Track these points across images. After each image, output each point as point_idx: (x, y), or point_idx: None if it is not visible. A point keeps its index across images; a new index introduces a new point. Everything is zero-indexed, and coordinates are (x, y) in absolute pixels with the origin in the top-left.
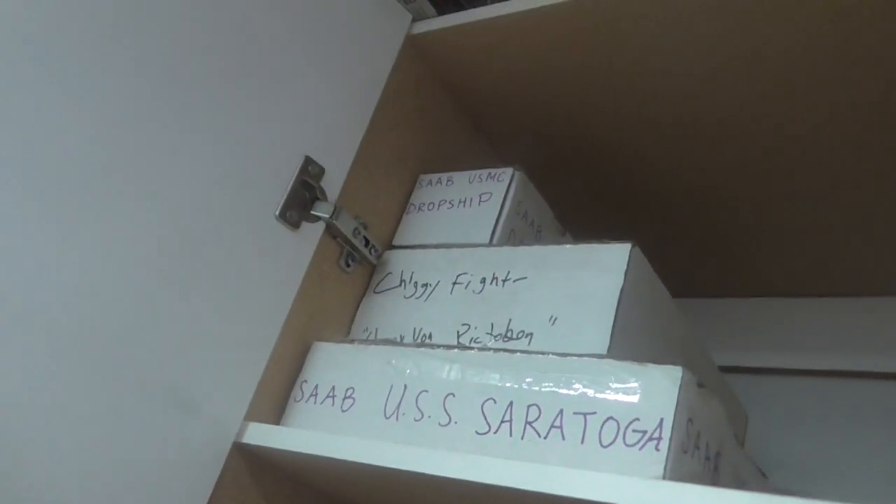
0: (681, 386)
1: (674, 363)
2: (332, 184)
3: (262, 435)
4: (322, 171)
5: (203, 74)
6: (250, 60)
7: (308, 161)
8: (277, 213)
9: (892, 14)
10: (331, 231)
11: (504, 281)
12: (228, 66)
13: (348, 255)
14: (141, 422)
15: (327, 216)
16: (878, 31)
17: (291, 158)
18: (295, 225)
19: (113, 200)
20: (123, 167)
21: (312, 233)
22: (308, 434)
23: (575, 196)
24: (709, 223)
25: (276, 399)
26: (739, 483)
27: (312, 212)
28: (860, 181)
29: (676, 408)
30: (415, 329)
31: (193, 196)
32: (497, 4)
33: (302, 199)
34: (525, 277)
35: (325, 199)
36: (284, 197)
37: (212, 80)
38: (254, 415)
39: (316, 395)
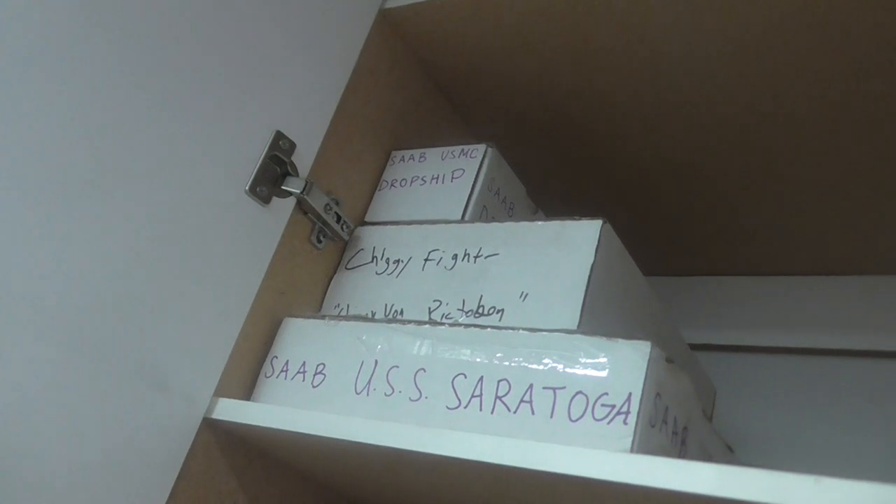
0: (649, 361)
1: (643, 339)
2: (304, 159)
3: (231, 410)
4: (293, 146)
5: (171, 48)
6: (220, 33)
7: (279, 136)
8: (247, 187)
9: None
10: (302, 207)
11: (476, 257)
12: (198, 39)
13: (319, 231)
14: (109, 398)
15: (298, 191)
16: (853, 13)
17: (262, 133)
18: (265, 200)
19: (79, 176)
20: (89, 142)
21: (283, 208)
22: (278, 409)
23: (548, 174)
24: (680, 202)
25: (246, 375)
26: (706, 457)
27: (283, 187)
28: (831, 163)
29: (645, 382)
30: (386, 305)
31: (161, 170)
32: None
33: (272, 175)
34: (497, 254)
35: (296, 174)
36: (254, 172)
37: (180, 54)
38: (224, 391)
39: (286, 370)
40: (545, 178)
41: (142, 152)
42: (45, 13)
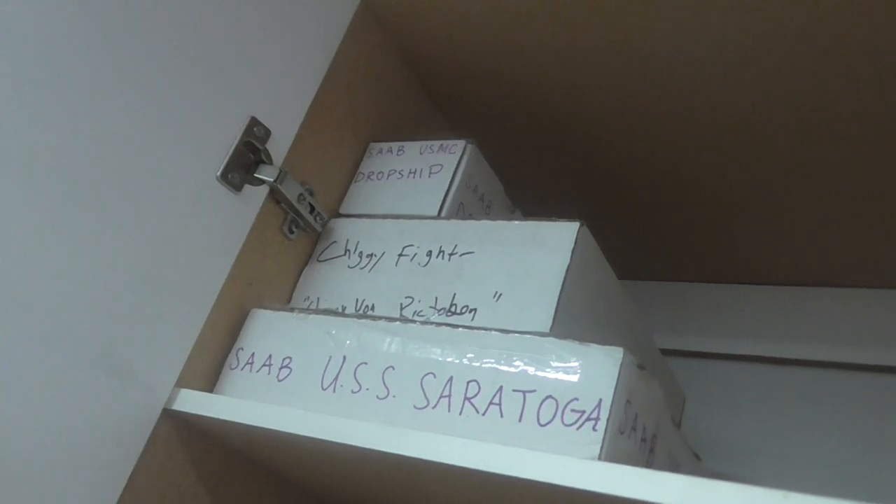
0: (621, 367)
1: (616, 344)
2: (279, 147)
3: (193, 402)
4: (268, 133)
5: (146, 29)
6: (197, 16)
7: (254, 122)
8: (219, 174)
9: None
10: (275, 196)
11: (450, 255)
12: (174, 20)
13: (292, 221)
14: (68, 385)
15: (271, 180)
16: (851, 18)
17: (236, 118)
18: (237, 187)
19: (45, 157)
20: (56, 122)
21: (255, 197)
22: (240, 403)
23: (527, 173)
24: (658, 208)
25: (210, 366)
26: (674, 465)
27: (256, 175)
28: (810, 172)
29: (616, 389)
30: (357, 300)
31: (128, 152)
32: None
33: (246, 161)
34: (472, 252)
35: (270, 162)
36: (227, 158)
37: (155, 36)
38: (186, 381)
39: (252, 363)
40: (524, 178)
41: (109, 134)
42: None
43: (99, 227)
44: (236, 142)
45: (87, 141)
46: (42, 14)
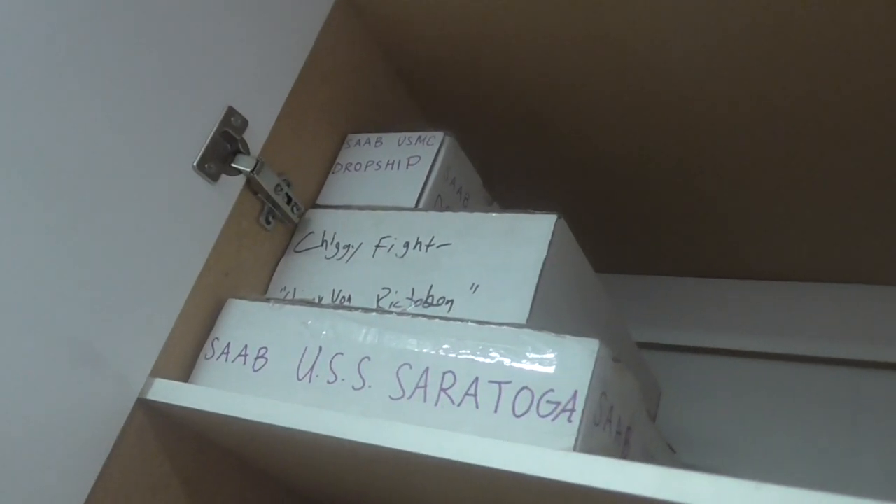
0: (597, 359)
1: (592, 336)
2: (256, 137)
3: (167, 392)
4: (245, 123)
5: (122, 19)
6: (173, 4)
7: (231, 112)
8: (195, 163)
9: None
10: (251, 186)
11: (428, 246)
12: (149, 10)
13: (269, 211)
14: (38, 374)
15: (248, 170)
16: (824, 8)
17: (213, 108)
18: (213, 177)
19: (15, 145)
20: (28, 110)
21: (232, 187)
22: (215, 393)
23: (506, 166)
24: (636, 201)
25: (185, 356)
26: (648, 457)
27: (233, 165)
28: (786, 166)
29: (591, 380)
30: (334, 291)
31: (105, 140)
32: None
33: (222, 151)
34: (449, 244)
35: (247, 152)
36: (203, 148)
37: (130, 24)
38: (160, 371)
39: (227, 353)
40: (503, 171)
41: (83, 122)
42: None
43: (72, 215)
44: (213, 131)
45: (60, 129)
46: (24, 12)
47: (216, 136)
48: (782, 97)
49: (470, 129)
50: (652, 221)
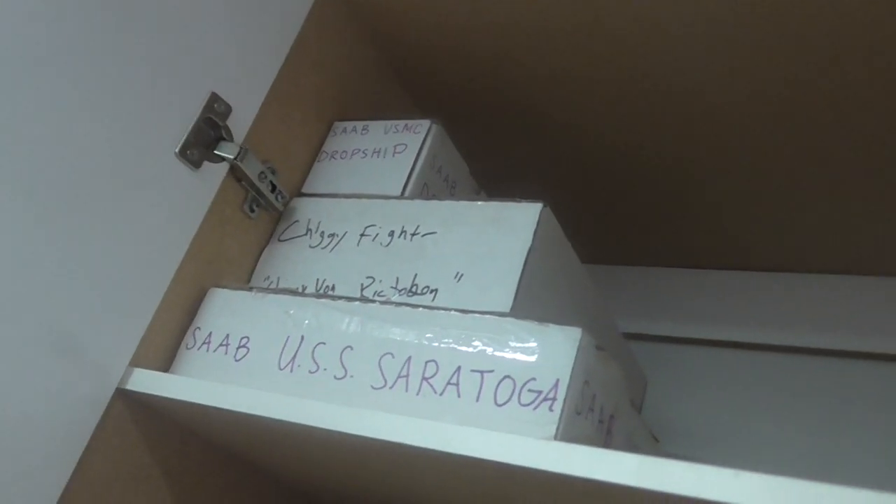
0: (579, 348)
1: (576, 325)
2: (240, 124)
3: (147, 382)
4: (229, 109)
5: (103, 3)
6: None
7: (214, 98)
8: (177, 150)
9: None
10: (235, 173)
11: (413, 235)
12: None
13: (253, 199)
14: (15, 362)
15: (232, 157)
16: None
17: (196, 93)
18: (196, 164)
19: None
20: (7, 98)
21: (215, 174)
22: (195, 383)
23: (493, 154)
24: (624, 191)
25: (166, 345)
26: (632, 447)
27: (216, 152)
28: (777, 156)
29: (573, 369)
30: (318, 280)
31: (84, 126)
32: None
33: (206, 138)
34: (434, 232)
35: (230, 139)
36: (186, 134)
37: (112, 8)
38: (141, 361)
39: (209, 342)
40: (490, 159)
41: (63, 108)
42: None
43: (51, 202)
44: (196, 118)
45: (40, 115)
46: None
47: (199, 122)
48: (778, 85)
49: (457, 117)
50: (641, 212)
